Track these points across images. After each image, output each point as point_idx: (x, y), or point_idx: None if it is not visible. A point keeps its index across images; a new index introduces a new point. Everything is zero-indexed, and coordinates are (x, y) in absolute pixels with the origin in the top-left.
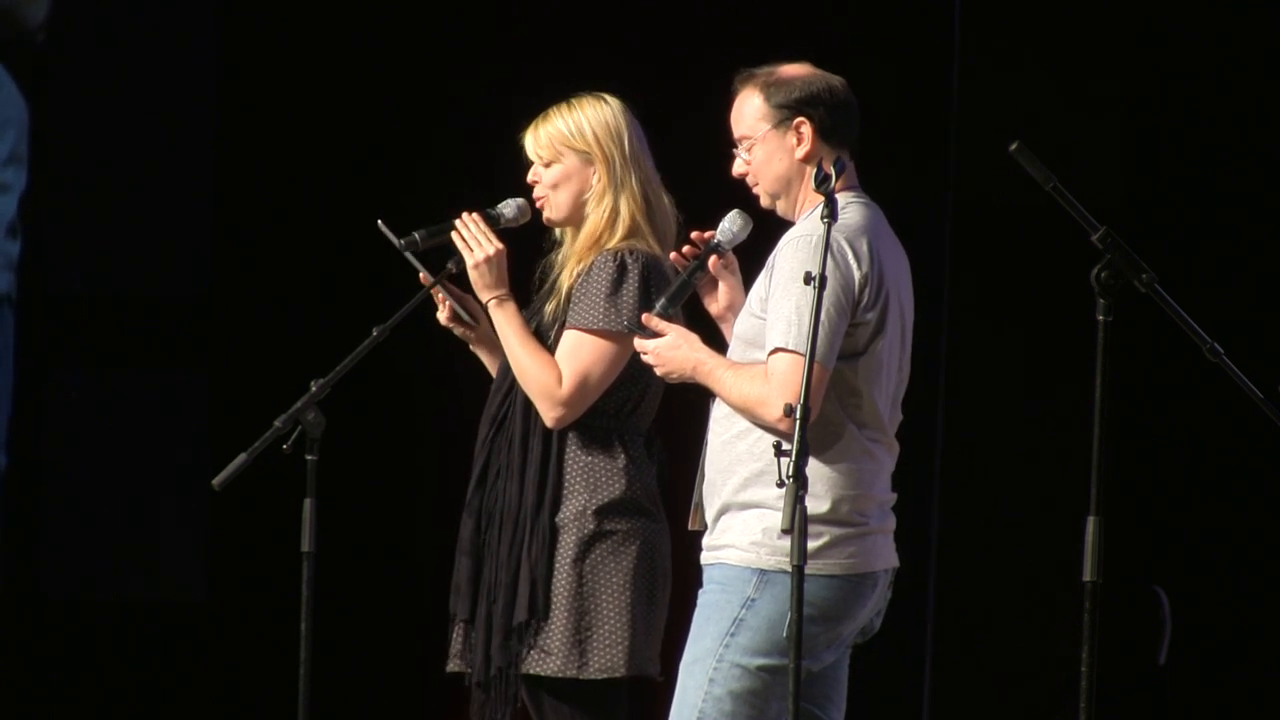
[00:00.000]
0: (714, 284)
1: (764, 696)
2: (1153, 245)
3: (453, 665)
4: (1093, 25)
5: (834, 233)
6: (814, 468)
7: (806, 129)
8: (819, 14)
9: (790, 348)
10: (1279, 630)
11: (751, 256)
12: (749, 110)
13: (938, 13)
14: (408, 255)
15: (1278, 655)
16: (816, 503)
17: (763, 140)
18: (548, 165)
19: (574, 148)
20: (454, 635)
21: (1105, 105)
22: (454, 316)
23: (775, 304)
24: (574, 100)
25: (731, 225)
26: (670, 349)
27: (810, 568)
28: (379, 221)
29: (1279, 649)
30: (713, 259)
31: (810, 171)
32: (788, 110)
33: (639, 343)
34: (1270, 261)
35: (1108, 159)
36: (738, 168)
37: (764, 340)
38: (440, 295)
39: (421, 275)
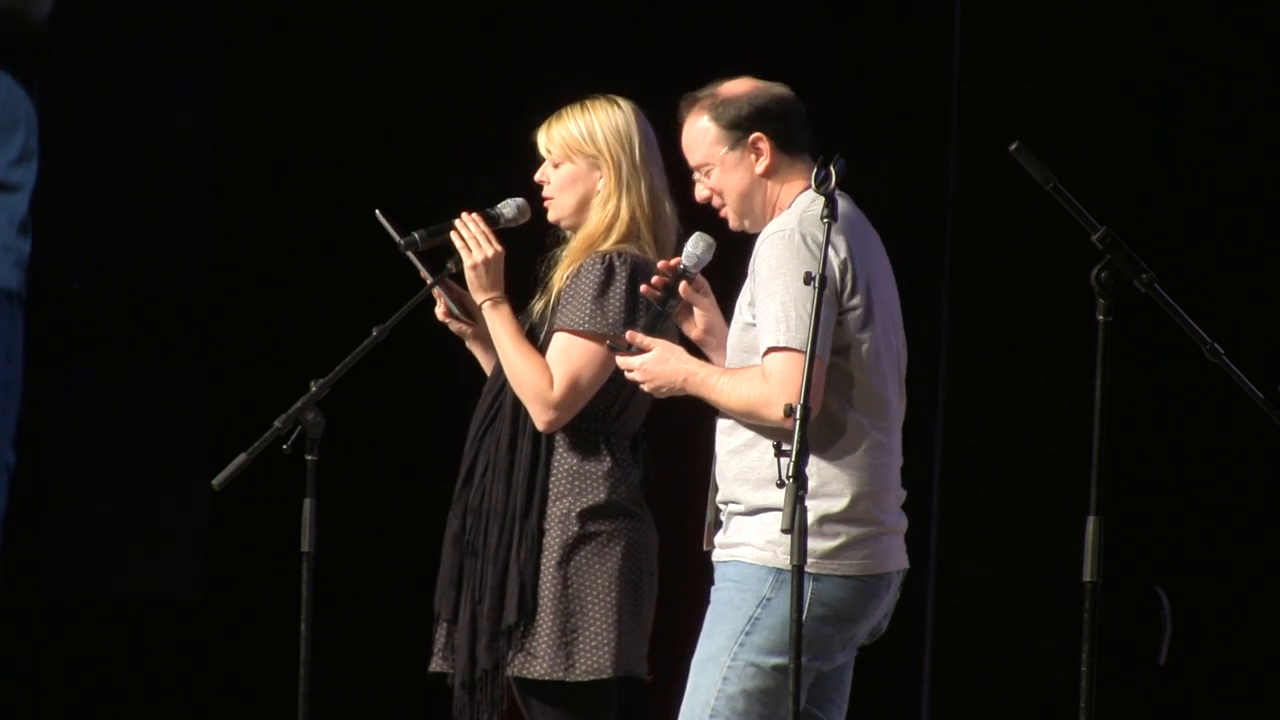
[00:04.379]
0: (689, 310)
1: (776, 696)
2: (1153, 245)
3: (435, 665)
4: (1093, 25)
5: (803, 227)
6: (828, 465)
7: (764, 144)
8: (819, 14)
9: (783, 345)
10: (1279, 630)
11: (726, 273)
12: (700, 135)
13: (938, 12)
14: (409, 255)
15: (1278, 655)
16: (833, 501)
17: (721, 163)
18: (557, 166)
19: (583, 151)
20: (437, 634)
21: (1105, 105)
22: (450, 312)
23: (761, 304)
24: (587, 102)
25: (695, 248)
26: (658, 363)
27: (826, 568)
28: (378, 211)
29: (1279, 649)
30: (683, 284)
31: (771, 185)
32: (740, 129)
33: (623, 360)
34: (1270, 261)
35: (1108, 159)
36: (700, 194)
37: (756, 344)
38: (438, 290)
39: (423, 274)
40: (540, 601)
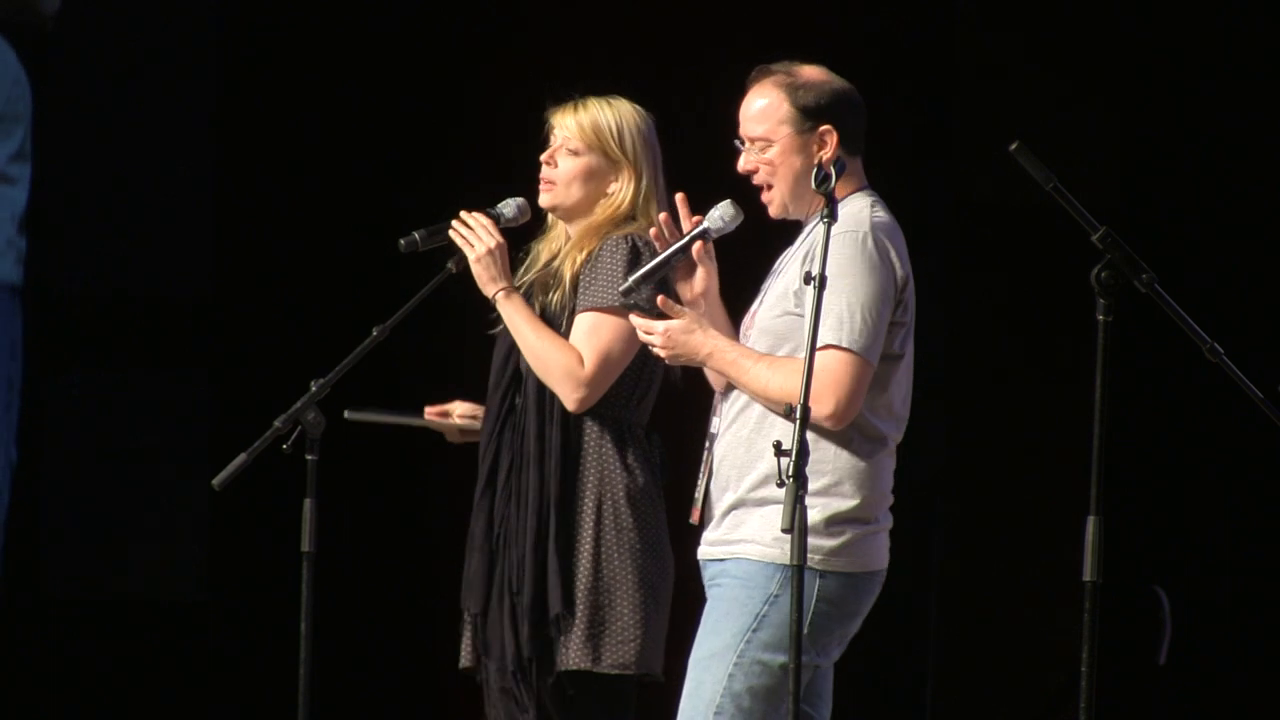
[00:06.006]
0: (690, 269)
1: (781, 694)
2: (1153, 245)
3: (465, 661)
4: (1093, 25)
5: (877, 231)
6: (844, 466)
7: (832, 138)
8: (820, 13)
9: (844, 345)
10: (1279, 630)
11: (748, 251)
12: (769, 110)
13: (938, 13)
14: (399, 422)
15: (1278, 655)
16: (843, 501)
17: (782, 143)
18: (575, 154)
19: (607, 151)
20: (465, 631)
21: (1105, 105)
22: (463, 432)
23: (825, 299)
24: (613, 100)
25: (723, 214)
26: (683, 332)
27: (833, 564)
28: (346, 412)
29: (1279, 649)
30: (698, 244)
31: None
32: (814, 117)
33: (643, 322)
34: (1270, 261)
35: (1108, 159)
36: (747, 164)
37: (799, 336)
38: (436, 425)
39: (428, 413)
40: (574, 591)
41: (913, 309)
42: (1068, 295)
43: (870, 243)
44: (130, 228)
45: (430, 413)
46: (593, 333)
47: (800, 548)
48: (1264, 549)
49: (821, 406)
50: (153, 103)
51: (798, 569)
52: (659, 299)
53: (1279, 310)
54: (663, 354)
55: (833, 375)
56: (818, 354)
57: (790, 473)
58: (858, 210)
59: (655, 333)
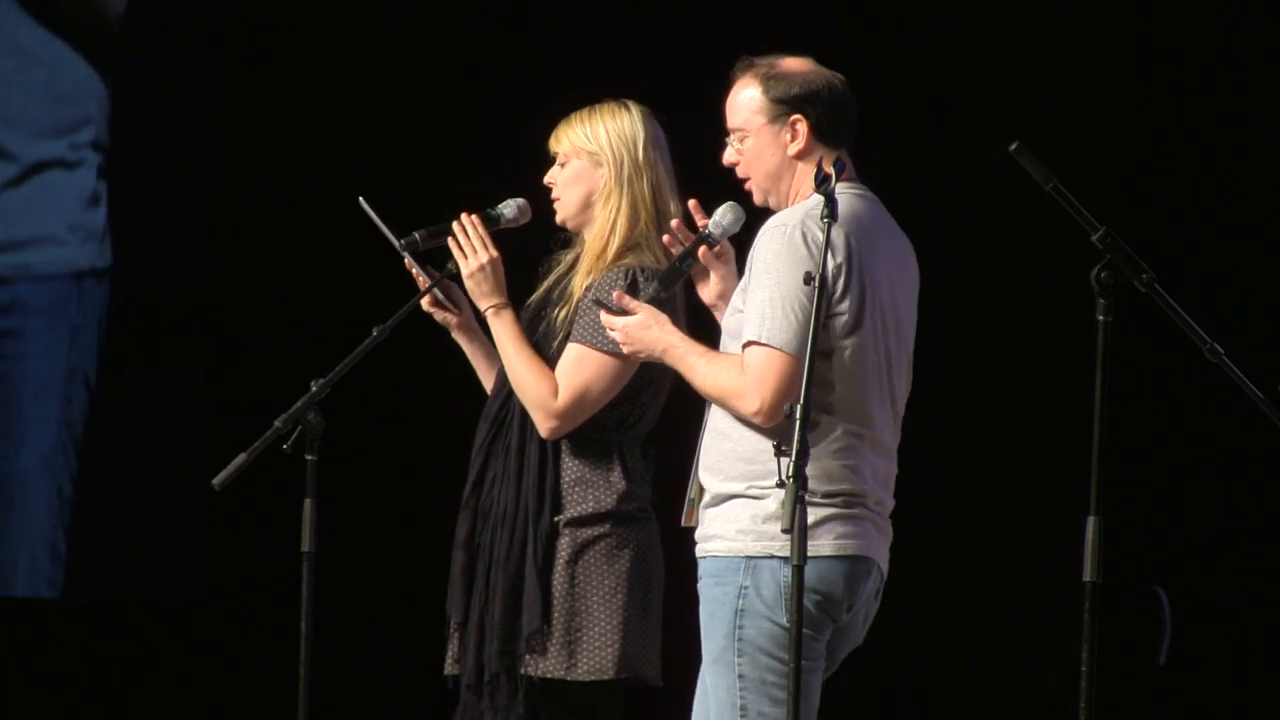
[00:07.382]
0: (706, 272)
1: (801, 675)
2: (1153, 245)
3: (449, 668)
4: (1092, 26)
5: (805, 224)
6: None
7: (802, 127)
8: (820, 13)
9: (764, 341)
10: (1279, 630)
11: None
12: (745, 101)
13: (938, 13)
14: (405, 254)
15: (1278, 655)
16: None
17: (756, 134)
18: (563, 165)
19: (586, 149)
20: (450, 639)
21: (1105, 105)
22: (436, 300)
23: (751, 295)
24: (597, 106)
25: (723, 218)
26: (640, 328)
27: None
28: (360, 199)
29: (1279, 649)
30: (702, 249)
31: (802, 168)
32: (785, 106)
33: (606, 318)
34: (1270, 261)
35: (1108, 159)
36: (729, 157)
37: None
38: (420, 279)
39: (419, 279)
40: (550, 604)
41: (863, 303)
42: (1068, 295)
43: (797, 235)
44: (130, 228)
45: (438, 279)
46: (575, 367)
47: (800, 547)
48: (1264, 549)
49: (747, 403)
50: (152, 101)
51: (798, 569)
52: (614, 294)
53: (1279, 310)
54: (624, 350)
55: (756, 371)
56: (746, 350)
57: (790, 473)
58: (807, 204)
59: (616, 329)
